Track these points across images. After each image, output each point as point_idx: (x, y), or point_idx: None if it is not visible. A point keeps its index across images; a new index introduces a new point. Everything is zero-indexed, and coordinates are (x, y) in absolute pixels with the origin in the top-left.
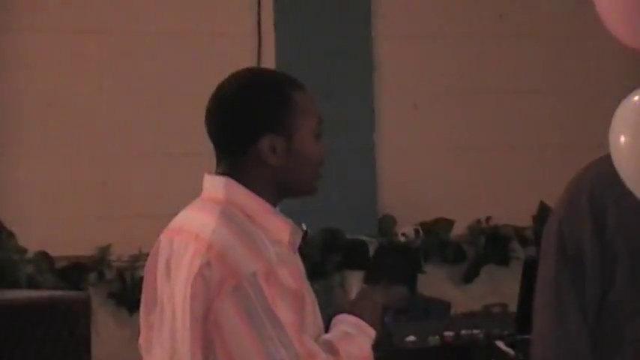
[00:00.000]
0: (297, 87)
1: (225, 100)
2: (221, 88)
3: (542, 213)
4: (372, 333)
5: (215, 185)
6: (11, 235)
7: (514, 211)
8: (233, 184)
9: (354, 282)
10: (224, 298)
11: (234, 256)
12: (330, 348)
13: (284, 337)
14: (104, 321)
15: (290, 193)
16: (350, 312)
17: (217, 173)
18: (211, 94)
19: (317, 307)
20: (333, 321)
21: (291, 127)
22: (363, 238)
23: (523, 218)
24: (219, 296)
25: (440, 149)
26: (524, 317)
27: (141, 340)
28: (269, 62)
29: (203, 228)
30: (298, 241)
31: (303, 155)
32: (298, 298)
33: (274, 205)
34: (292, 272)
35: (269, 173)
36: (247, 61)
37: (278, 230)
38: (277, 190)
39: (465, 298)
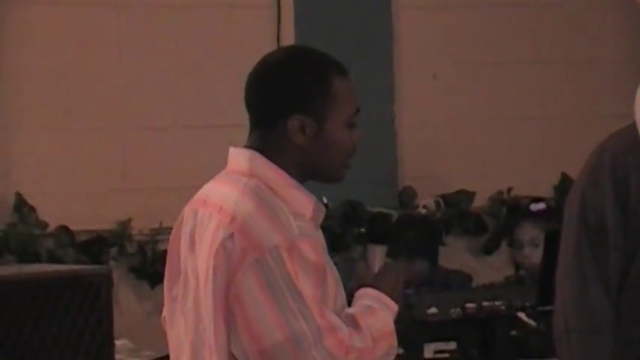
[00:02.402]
0: (340, 73)
1: (266, 72)
2: (266, 60)
3: (564, 184)
4: (394, 307)
5: (240, 158)
6: (32, 209)
7: (535, 183)
8: (258, 157)
9: (377, 255)
10: (246, 270)
11: (257, 228)
12: (352, 322)
13: (305, 310)
14: (125, 295)
15: (314, 176)
16: (372, 285)
17: (245, 146)
18: (256, 63)
19: (340, 282)
20: (356, 295)
21: (324, 111)
22: (384, 210)
23: (544, 189)
24: (241, 268)
25: (460, 120)
26: (546, 288)
27: (165, 313)
28: (288, 34)
29: (227, 200)
30: (321, 217)
31: (332, 142)
32: (320, 272)
33: (299, 182)
34: (314, 246)
35: (295, 152)
36: (266, 34)
37: (301, 204)
38: (302, 170)
39: (486, 270)
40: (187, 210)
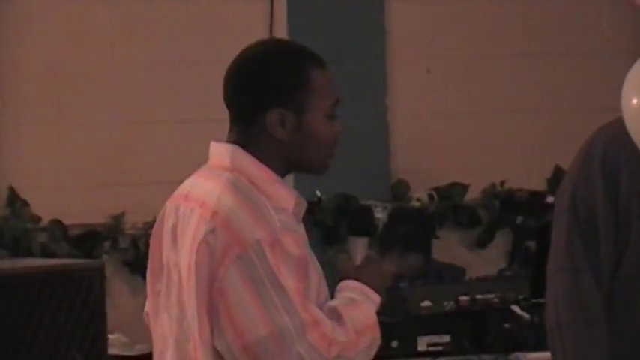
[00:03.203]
0: (318, 65)
1: (244, 66)
2: (243, 54)
3: (557, 177)
4: (377, 299)
5: (221, 152)
6: (25, 203)
7: (529, 175)
8: (240, 151)
9: (359, 248)
10: (228, 265)
11: (239, 223)
12: (335, 314)
13: (288, 304)
14: (118, 289)
15: (298, 169)
16: (355, 278)
17: (227, 141)
18: (234, 58)
19: (322, 275)
20: (338, 287)
21: (303, 104)
22: (377, 203)
23: (538, 182)
24: (223, 263)
25: (453, 113)
26: (539, 281)
27: (147, 308)
28: (281, 27)
29: (209, 195)
30: (302, 211)
31: (312, 134)
32: (302, 266)
33: (280, 176)
34: (297, 240)
35: (275, 146)
36: (259, 27)
37: (282, 199)
38: (284, 163)
39: (479, 263)
40: (169, 205)
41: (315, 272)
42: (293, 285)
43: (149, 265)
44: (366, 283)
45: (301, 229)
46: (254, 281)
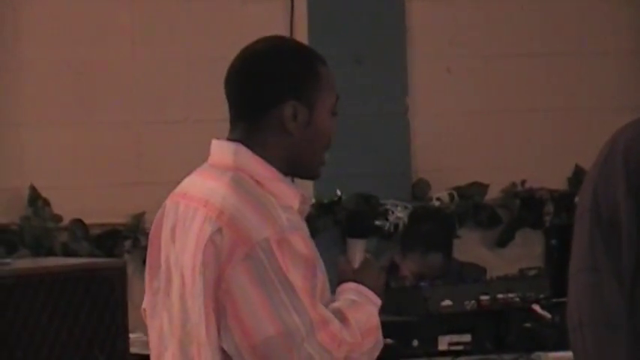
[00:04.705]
0: (322, 62)
1: (253, 61)
2: (248, 51)
3: (578, 176)
4: (377, 301)
5: (224, 151)
6: (46, 203)
7: (549, 175)
8: (243, 150)
9: (357, 250)
10: (236, 265)
11: (246, 222)
12: (340, 316)
13: (298, 304)
14: (140, 287)
15: (296, 169)
16: (354, 280)
17: (229, 139)
18: (236, 55)
19: (326, 275)
20: (338, 290)
21: (314, 99)
22: (397, 202)
23: (558, 181)
24: (230, 263)
25: (474, 113)
26: (559, 280)
27: (145, 305)
28: (301, 26)
29: (213, 194)
30: (307, 209)
31: (320, 130)
32: (310, 265)
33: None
34: (305, 239)
35: (283, 142)
36: (280, 25)
37: (288, 197)
38: (285, 164)
39: (500, 262)
40: (168, 203)
41: (321, 272)
42: (301, 284)
43: (147, 263)
44: (365, 286)
45: (306, 228)
46: (262, 280)
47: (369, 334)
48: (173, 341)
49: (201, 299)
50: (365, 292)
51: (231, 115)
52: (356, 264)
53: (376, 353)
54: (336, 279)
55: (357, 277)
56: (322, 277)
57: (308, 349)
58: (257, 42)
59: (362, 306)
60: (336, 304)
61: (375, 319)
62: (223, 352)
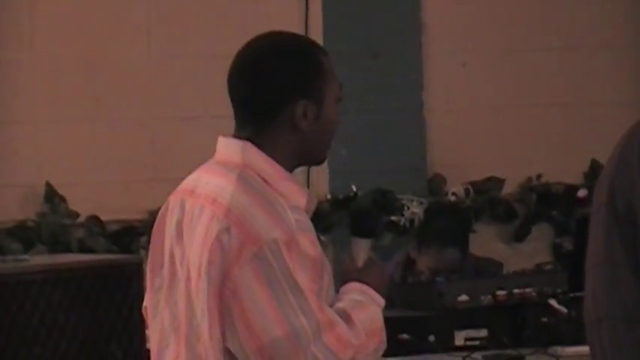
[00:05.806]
0: (323, 51)
1: (256, 62)
2: (250, 50)
3: (594, 170)
4: (381, 302)
5: (231, 148)
6: (62, 199)
7: (565, 169)
8: (251, 148)
9: (361, 250)
10: (243, 265)
11: (255, 222)
12: (345, 317)
13: (305, 305)
14: None
15: (305, 161)
16: (358, 280)
17: (236, 137)
18: (237, 53)
19: (332, 276)
20: (342, 289)
21: (322, 94)
22: (413, 197)
23: (574, 176)
24: (238, 263)
25: (489, 108)
26: (577, 275)
27: (146, 302)
28: (316, 22)
29: (220, 191)
30: (313, 208)
31: (328, 121)
32: (317, 267)
33: (289, 172)
34: (313, 240)
35: (294, 138)
36: (294, 21)
37: (295, 196)
38: (295, 158)
39: (516, 257)
40: (172, 200)
41: (327, 273)
42: (308, 285)
43: (149, 260)
44: (369, 286)
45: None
46: (269, 281)
47: (374, 335)
48: (175, 338)
49: (205, 297)
50: (369, 292)
51: (237, 113)
52: (360, 263)
53: (380, 354)
54: (339, 278)
55: (361, 276)
56: (328, 279)
57: (314, 351)
58: (257, 39)
59: (366, 306)
60: (340, 305)
61: (379, 320)
62: (228, 351)
